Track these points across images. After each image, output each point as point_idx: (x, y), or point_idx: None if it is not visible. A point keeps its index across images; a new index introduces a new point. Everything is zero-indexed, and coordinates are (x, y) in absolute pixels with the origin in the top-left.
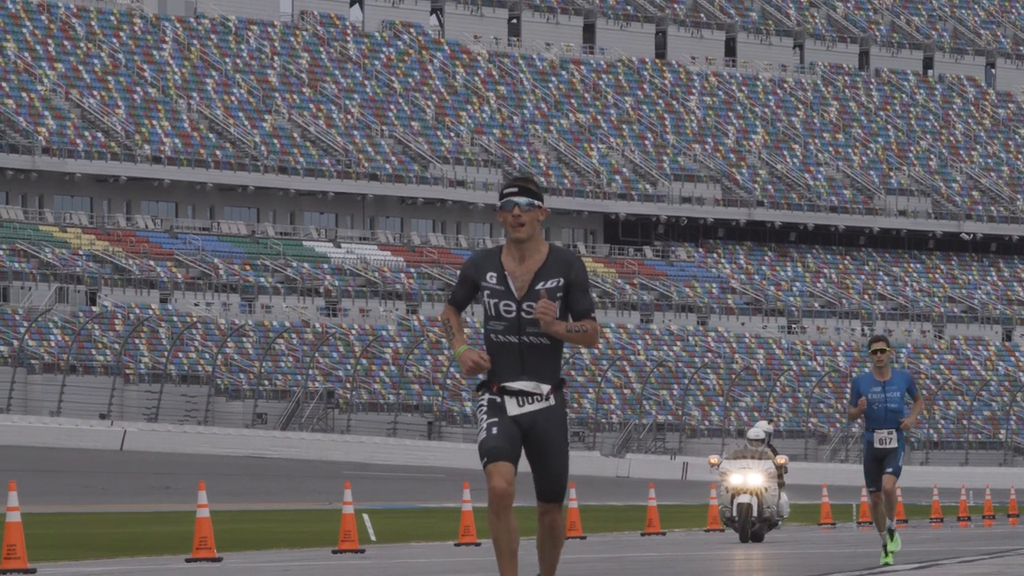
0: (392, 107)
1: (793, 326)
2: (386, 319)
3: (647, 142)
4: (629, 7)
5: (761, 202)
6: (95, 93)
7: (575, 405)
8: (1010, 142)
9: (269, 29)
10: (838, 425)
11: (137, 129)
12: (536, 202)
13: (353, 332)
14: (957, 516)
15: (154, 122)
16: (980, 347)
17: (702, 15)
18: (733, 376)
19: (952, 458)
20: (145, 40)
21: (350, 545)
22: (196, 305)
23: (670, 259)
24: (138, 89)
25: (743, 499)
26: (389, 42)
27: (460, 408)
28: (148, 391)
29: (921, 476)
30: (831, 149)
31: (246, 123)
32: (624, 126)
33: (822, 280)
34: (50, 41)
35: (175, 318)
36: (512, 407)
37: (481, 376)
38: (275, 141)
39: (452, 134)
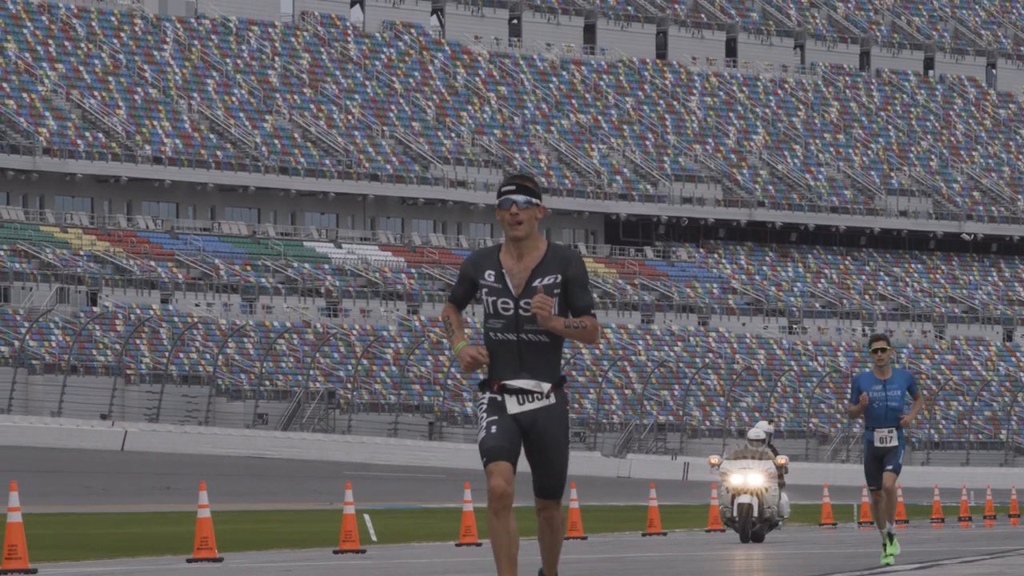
0: (393, 107)
1: (794, 326)
2: (387, 319)
3: (648, 142)
4: (630, 7)
5: (762, 202)
6: (96, 93)
7: (576, 406)
8: (1011, 142)
9: (270, 29)
10: (839, 425)
11: (138, 129)
12: (534, 200)
13: (354, 332)
14: (958, 516)
15: (155, 122)
16: (981, 347)
17: (703, 15)
18: (734, 376)
19: (953, 458)
20: (146, 41)
21: (351, 545)
22: (197, 305)
23: (671, 259)
24: (139, 90)
25: (743, 499)
26: (390, 42)
27: (461, 408)
28: (149, 391)
29: (922, 476)
30: (832, 149)
31: (247, 123)
32: (625, 126)
33: (823, 280)
34: (51, 41)
35: (176, 318)
36: (512, 405)
37: (482, 375)
38: (276, 141)
39: (453, 134)
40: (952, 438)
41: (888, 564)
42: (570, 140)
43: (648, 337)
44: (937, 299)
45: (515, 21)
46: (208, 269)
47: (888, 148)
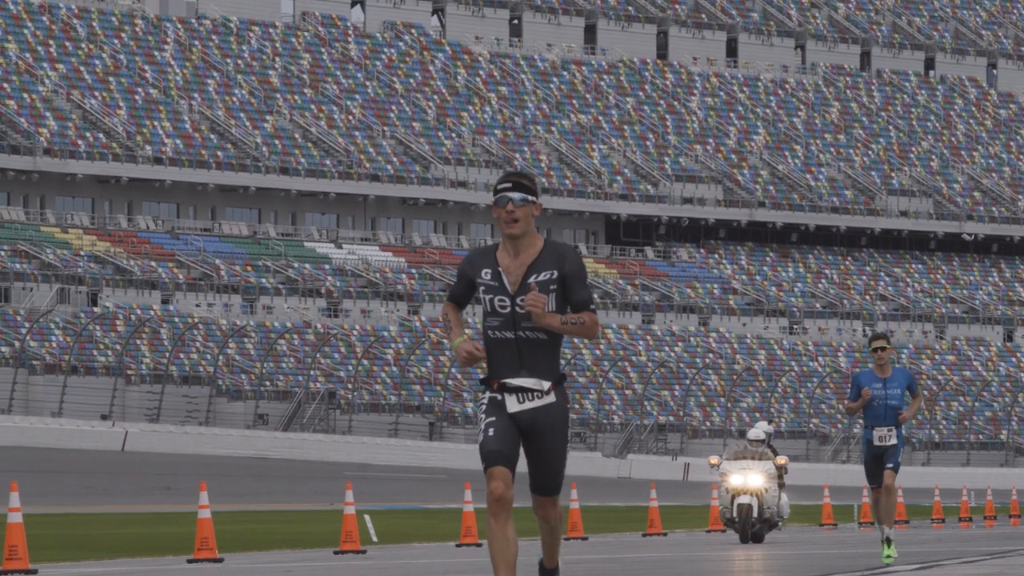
0: (393, 108)
1: (794, 327)
2: (387, 320)
3: (648, 143)
4: (630, 8)
5: (762, 203)
6: (96, 94)
7: (576, 406)
8: (1011, 143)
9: (270, 30)
10: (839, 426)
11: (138, 130)
12: (530, 197)
13: (354, 333)
14: (959, 517)
15: (155, 123)
16: (981, 348)
17: (703, 16)
18: (734, 377)
19: (953, 459)
20: (146, 41)
21: (352, 546)
22: (197, 306)
23: (671, 260)
24: (139, 90)
25: (743, 500)
26: (390, 43)
27: (462, 409)
28: (149, 392)
29: (923, 477)
30: (832, 150)
31: (247, 124)
32: (625, 127)
33: (823, 281)
34: (51, 42)
35: (176, 319)
36: (512, 404)
37: (480, 372)
38: (276, 142)
39: (453, 135)
40: (953, 438)
41: (888, 563)
42: (571, 140)
43: (648, 337)
44: (938, 299)
45: (516, 21)
46: (209, 269)
47: (889, 148)
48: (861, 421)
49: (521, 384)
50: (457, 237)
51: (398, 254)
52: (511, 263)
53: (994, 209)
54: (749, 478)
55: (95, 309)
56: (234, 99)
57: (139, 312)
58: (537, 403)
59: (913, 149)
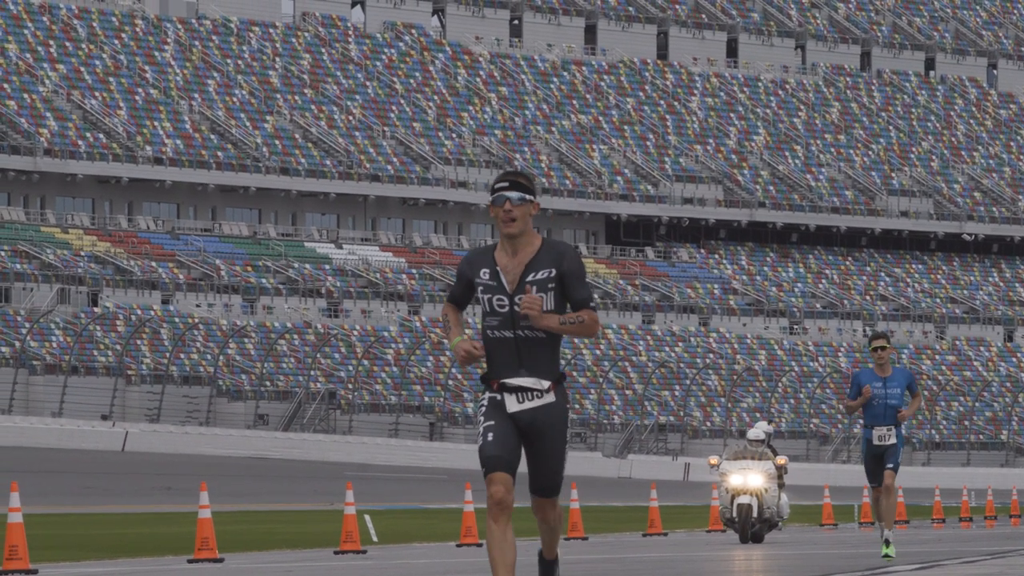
0: (394, 108)
1: (795, 327)
2: (388, 320)
3: (649, 143)
4: (631, 8)
5: (763, 203)
6: (97, 94)
7: (577, 406)
8: (1012, 143)
9: (271, 30)
10: (840, 426)
11: (139, 130)
12: (528, 196)
13: (355, 333)
14: (959, 517)
15: (156, 123)
16: (982, 348)
17: (704, 16)
18: (735, 377)
19: (954, 459)
20: (147, 41)
21: (352, 546)
22: (198, 306)
23: (672, 260)
24: (140, 90)
25: (743, 500)
26: (391, 43)
27: (462, 409)
28: (150, 392)
29: (923, 477)
30: (833, 150)
31: (248, 124)
32: (626, 127)
33: (824, 281)
34: (52, 42)
35: (177, 319)
36: (512, 404)
37: (479, 370)
38: (277, 142)
39: (454, 135)
40: (953, 439)
41: (888, 557)
42: (571, 141)
43: (649, 338)
44: (938, 300)
45: (516, 22)
46: (209, 270)
47: (889, 148)
48: (861, 421)
49: (521, 384)
50: (457, 237)
51: (398, 254)
52: (509, 262)
53: (994, 209)
54: (749, 478)
55: (95, 309)
56: (234, 99)
57: (139, 312)
58: (537, 403)
59: (913, 149)
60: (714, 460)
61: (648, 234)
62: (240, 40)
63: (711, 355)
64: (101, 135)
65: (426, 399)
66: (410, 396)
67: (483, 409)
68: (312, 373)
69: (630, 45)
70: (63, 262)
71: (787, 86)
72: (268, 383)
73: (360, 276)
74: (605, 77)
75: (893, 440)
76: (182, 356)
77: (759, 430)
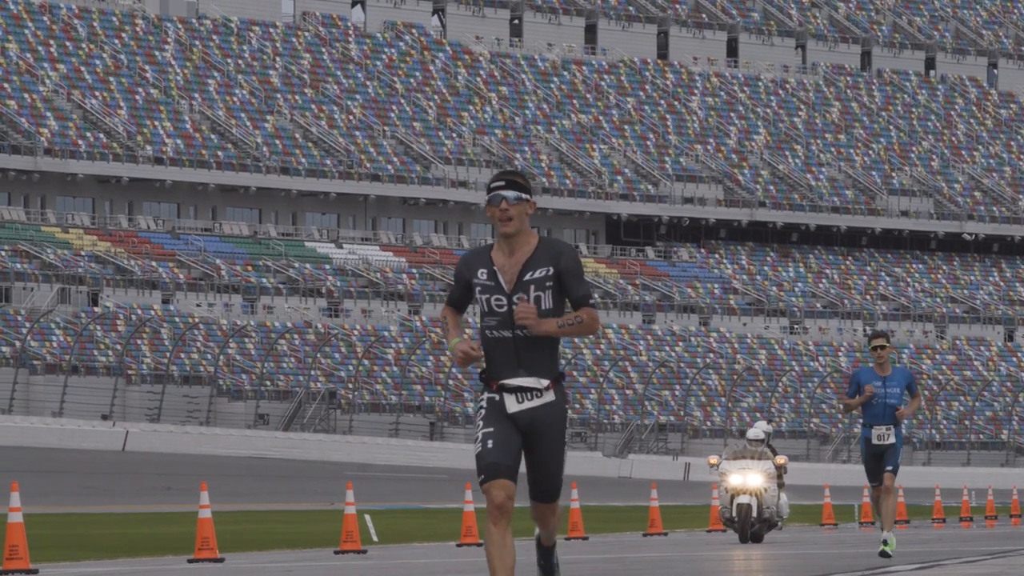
0: (394, 108)
1: (795, 327)
2: (388, 320)
3: (649, 143)
4: (631, 8)
5: (763, 203)
6: (97, 94)
7: (577, 406)
8: (1012, 142)
9: (271, 30)
10: (840, 426)
11: (139, 130)
12: (524, 195)
13: (355, 333)
14: (959, 516)
15: (156, 123)
16: (982, 347)
17: (704, 15)
18: (735, 377)
19: (954, 458)
20: (147, 41)
21: (352, 546)
22: (198, 306)
23: (672, 260)
24: (140, 90)
25: (742, 499)
26: (391, 43)
27: (462, 409)
28: (150, 392)
29: (923, 476)
30: (833, 149)
31: (248, 124)
32: (626, 126)
33: (824, 281)
34: (52, 42)
35: (177, 319)
36: (511, 404)
37: (479, 369)
38: (277, 142)
39: (454, 135)
40: (953, 438)
41: (886, 551)
42: (571, 140)
43: (649, 337)
44: (938, 299)
45: (516, 21)
46: (209, 269)
47: (889, 148)
48: (860, 420)
49: (520, 384)
50: (458, 237)
51: (399, 254)
52: (506, 262)
53: (995, 209)
54: (748, 478)
55: (96, 309)
56: (235, 99)
57: (140, 312)
58: (536, 402)
59: (914, 149)
60: (714, 460)
61: (648, 234)
62: (240, 40)
63: (711, 355)
64: (101, 135)
65: (426, 399)
66: (410, 396)
67: (482, 412)
68: (312, 373)
69: (630, 45)
70: (63, 262)
71: (787, 86)
72: (268, 383)
73: (360, 276)
74: (605, 77)
75: (892, 439)
76: (182, 356)
77: (759, 430)
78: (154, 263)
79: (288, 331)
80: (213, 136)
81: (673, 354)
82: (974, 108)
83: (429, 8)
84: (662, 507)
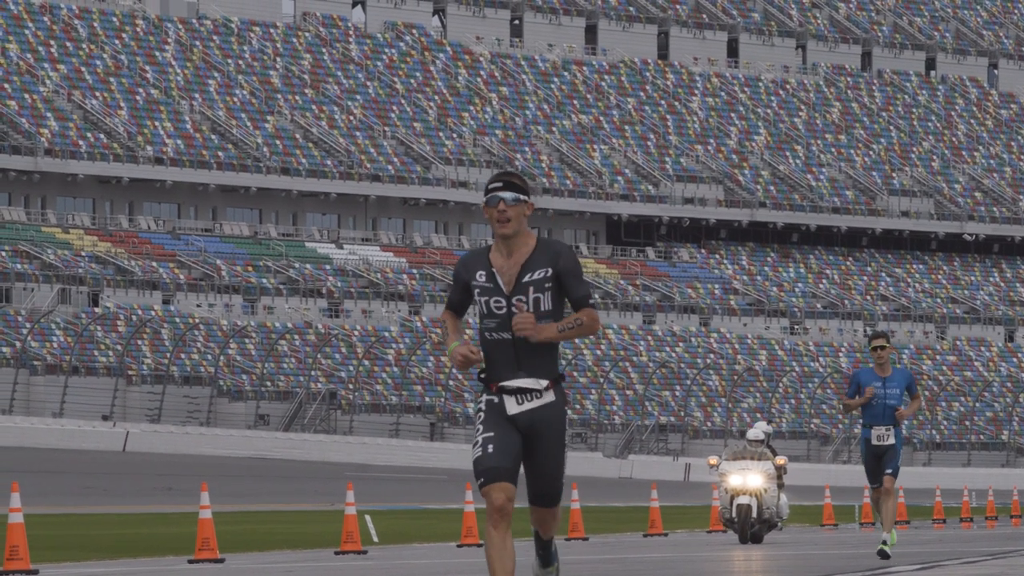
0: (394, 108)
1: (795, 327)
2: (388, 320)
3: (649, 143)
4: (631, 8)
5: (763, 203)
6: (97, 94)
7: (577, 406)
8: (1012, 143)
9: (271, 30)
10: (840, 426)
11: (139, 130)
12: (522, 196)
13: (355, 333)
14: (960, 517)
15: (156, 123)
16: (982, 348)
17: (704, 16)
18: (735, 377)
19: (954, 459)
20: (147, 41)
21: (352, 546)
22: (198, 306)
23: (672, 260)
24: (140, 90)
25: (742, 500)
26: (391, 43)
27: (463, 409)
28: (150, 392)
29: (923, 477)
30: (833, 150)
31: (248, 124)
32: (626, 127)
33: (824, 281)
34: (52, 42)
35: (177, 319)
36: (511, 406)
37: (476, 370)
38: (277, 142)
39: (454, 135)
40: (954, 439)
41: (886, 551)
42: (571, 141)
43: (649, 338)
44: (939, 300)
45: (516, 22)
46: (210, 270)
47: (890, 148)
48: (861, 420)
49: (519, 385)
50: (458, 237)
51: (399, 254)
52: (504, 263)
53: (995, 209)
54: (748, 478)
55: (96, 309)
56: (235, 99)
57: (140, 312)
58: (536, 403)
59: (914, 149)
60: (713, 460)
61: (649, 234)
62: (241, 40)
63: (712, 355)
64: (102, 135)
65: (427, 399)
66: (411, 396)
67: (481, 415)
68: (313, 373)
69: (631, 45)
70: (64, 262)
71: (788, 86)
72: (269, 383)
73: (361, 276)
74: (606, 77)
75: (892, 440)
76: (183, 356)
77: (758, 430)
78: (154, 263)
79: (288, 331)
80: (213, 136)
81: (673, 355)
82: (974, 108)
83: (429, 8)
84: (662, 508)
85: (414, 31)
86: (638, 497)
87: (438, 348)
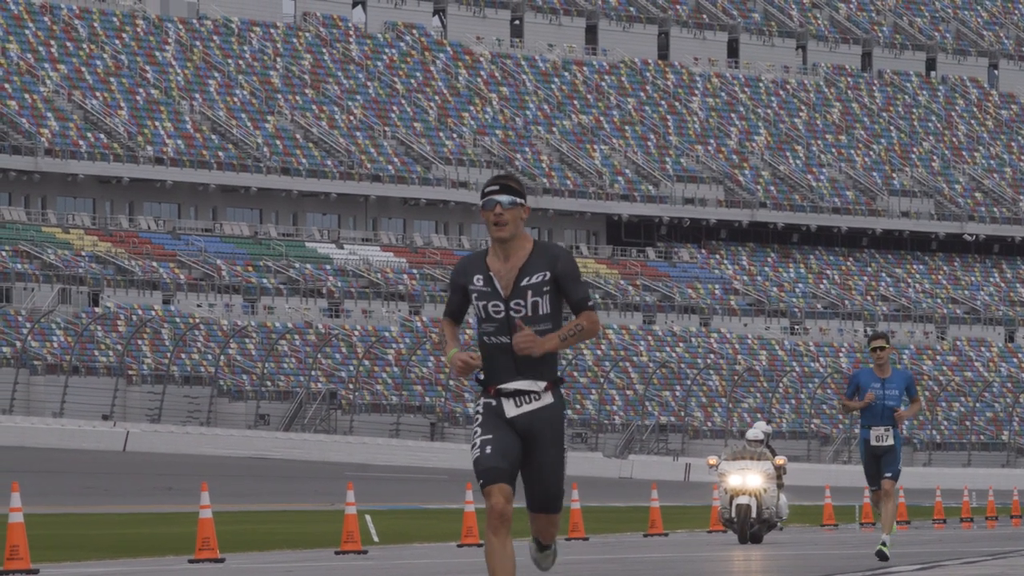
0: (394, 108)
1: (796, 327)
2: (388, 320)
3: (649, 143)
4: (631, 8)
5: (764, 203)
6: (98, 94)
7: (577, 406)
8: (1013, 143)
9: (272, 30)
10: (840, 426)
11: (140, 130)
12: (518, 200)
13: (356, 333)
14: (960, 517)
15: (156, 123)
16: (983, 348)
17: (704, 16)
18: (735, 377)
19: (955, 459)
20: (148, 41)
21: (353, 546)
22: (199, 306)
23: (673, 260)
24: (141, 90)
25: (742, 500)
26: (391, 43)
27: (463, 409)
28: (151, 392)
29: (924, 477)
30: (834, 150)
31: (248, 124)
32: (626, 127)
33: (825, 281)
34: (53, 42)
35: (178, 319)
36: (510, 408)
37: (481, 374)
38: (277, 142)
39: (454, 135)
40: (954, 439)
41: (885, 552)
42: (572, 141)
43: (650, 338)
44: (939, 300)
45: (517, 22)
46: (210, 270)
47: (890, 149)
48: (860, 421)
49: (517, 387)
50: (458, 237)
51: (399, 254)
52: (502, 267)
53: (995, 210)
54: (747, 478)
55: (96, 309)
56: (235, 99)
57: (140, 312)
58: (535, 405)
59: (914, 150)
60: (713, 460)
61: (649, 234)
62: (241, 40)
63: (712, 355)
64: (102, 135)
65: (427, 399)
66: (411, 396)
67: (479, 417)
68: (313, 373)
69: (631, 45)
70: (64, 262)
71: (788, 86)
72: (269, 383)
73: (361, 276)
74: (606, 77)
75: (891, 441)
76: (183, 356)
77: (758, 430)
78: (155, 263)
79: (289, 331)
80: (214, 136)
81: (674, 355)
82: (975, 109)
83: (430, 9)
84: (663, 508)
85: (414, 31)
86: (638, 497)
87: (438, 348)
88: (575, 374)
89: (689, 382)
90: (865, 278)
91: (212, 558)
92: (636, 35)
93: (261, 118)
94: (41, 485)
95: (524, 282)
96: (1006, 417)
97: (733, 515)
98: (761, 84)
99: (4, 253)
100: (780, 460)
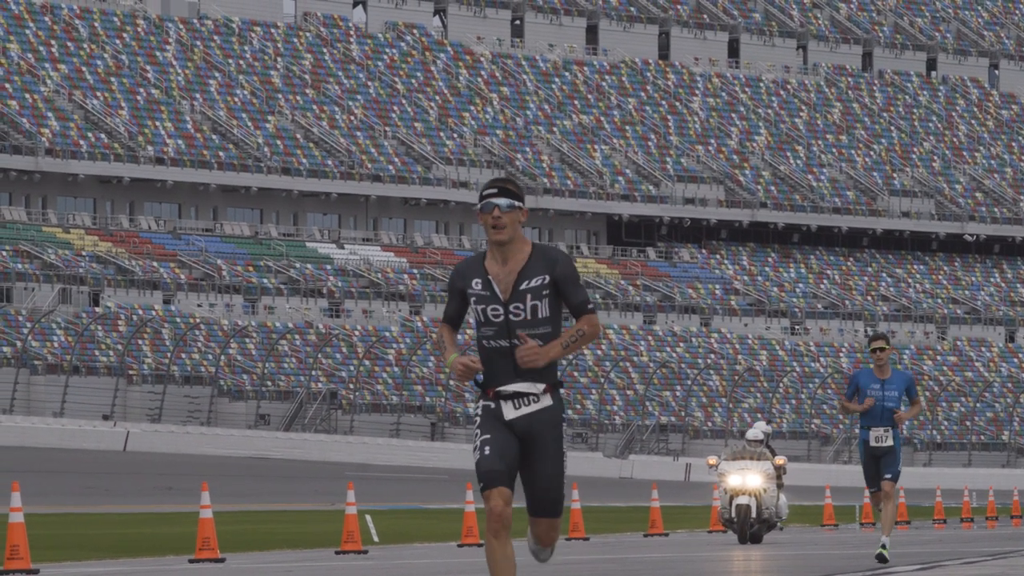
0: (395, 108)
1: (796, 327)
2: (389, 320)
3: (650, 143)
4: (632, 8)
5: (764, 203)
6: (98, 94)
7: (578, 406)
8: (1013, 143)
9: (272, 30)
10: (841, 427)
11: (140, 130)
12: (517, 203)
13: (356, 333)
14: (960, 517)
15: (157, 123)
16: (983, 348)
17: (705, 16)
18: (736, 377)
19: (955, 459)
20: (148, 41)
21: (353, 546)
22: (199, 306)
23: (673, 260)
24: (141, 90)
25: (741, 500)
26: (392, 43)
27: (463, 409)
28: (151, 392)
29: (924, 477)
30: (834, 150)
31: (249, 124)
32: (627, 127)
33: (825, 281)
34: (53, 42)
35: (178, 319)
36: (508, 411)
37: (477, 377)
38: (278, 142)
39: (455, 135)
40: (954, 439)
41: (884, 554)
42: (572, 141)
43: (650, 338)
44: (939, 300)
45: (517, 22)
46: (210, 270)
47: (890, 149)
48: (860, 421)
49: (517, 389)
50: (459, 237)
51: (400, 254)
52: (500, 270)
53: (996, 210)
54: (747, 478)
55: (97, 309)
56: (236, 99)
57: (141, 312)
58: (533, 407)
59: (915, 150)
60: (712, 460)
61: (649, 234)
62: (242, 40)
63: (712, 355)
64: (103, 135)
65: (427, 399)
66: (411, 396)
67: (479, 419)
68: (313, 373)
69: (631, 45)
70: (64, 262)
71: (788, 86)
72: (269, 383)
73: (361, 276)
74: (606, 77)
75: (890, 442)
76: (183, 356)
77: (758, 430)
78: (155, 263)
79: (289, 331)
80: (214, 136)
81: (674, 355)
82: (975, 109)
83: (430, 9)
84: (663, 508)
85: (415, 31)
86: (638, 497)
87: (438, 348)
88: (575, 374)
89: (689, 382)
90: (865, 278)
91: (212, 558)
92: (637, 35)
93: (262, 118)
94: (41, 485)
95: (523, 286)
96: (1006, 417)
97: (733, 515)
98: (762, 84)
99: (4, 253)
100: (780, 460)
